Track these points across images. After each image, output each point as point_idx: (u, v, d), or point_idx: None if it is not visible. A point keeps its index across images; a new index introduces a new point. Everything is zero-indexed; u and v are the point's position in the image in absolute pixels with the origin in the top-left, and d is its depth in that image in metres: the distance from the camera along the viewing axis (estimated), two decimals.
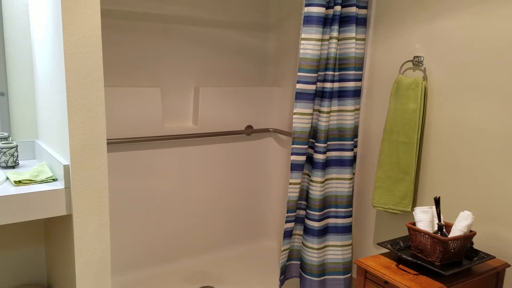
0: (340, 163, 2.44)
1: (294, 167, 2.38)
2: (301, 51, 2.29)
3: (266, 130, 3.13)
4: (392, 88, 2.27)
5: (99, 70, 1.59)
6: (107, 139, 2.46)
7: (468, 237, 1.79)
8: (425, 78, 2.18)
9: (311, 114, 2.37)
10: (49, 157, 1.80)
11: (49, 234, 2.04)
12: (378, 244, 1.92)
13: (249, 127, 3.08)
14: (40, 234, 2.14)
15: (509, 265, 1.84)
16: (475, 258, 1.83)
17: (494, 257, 1.81)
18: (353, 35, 2.35)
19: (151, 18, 2.63)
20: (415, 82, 2.17)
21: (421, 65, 2.21)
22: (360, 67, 2.44)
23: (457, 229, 1.81)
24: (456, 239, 1.75)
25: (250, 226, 3.28)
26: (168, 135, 2.70)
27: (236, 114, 3.00)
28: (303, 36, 2.27)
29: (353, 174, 2.49)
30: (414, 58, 2.24)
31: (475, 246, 2.00)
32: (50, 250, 2.06)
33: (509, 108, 1.86)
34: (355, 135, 2.46)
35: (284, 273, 2.55)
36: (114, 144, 2.54)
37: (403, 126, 2.20)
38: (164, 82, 2.75)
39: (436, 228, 1.86)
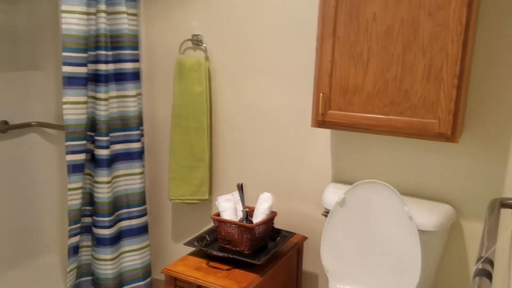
0: (127, 156, 2.15)
1: (73, 168, 1.99)
2: (63, 26, 1.92)
3: (27, 125, 2.55)
4: (175, 69, 2.11)
5: None
6: None
7: (271, 218, 1.78)
8: (207, 58, 2.08)
9: (86, 102, 2.03)
10: None
11: None
12: (184, 244, 1.74)
13: (4, 122, 2.45)
14: None
15: (306, 238, 1.92)
16: (278, 238, 1.84)
17: (295, 234, 1.86)
18: (124, 8, 2.08)
19: None
20: (198, 63, 2.05)
21: (201, 44, 2.09)
22: (136, 46, 2.19)
23: (260, 212, 1.78)
24: (262, 223, 1.71)
25: (23, 243, 2.67)
26: None
27: None
28: (63, 8, 1.92)
29: (144, 167, 2.23)
30: (193, 36, 2.11)
31: (276, 225, 2.03)
32: None
33: (293, 87, 1.90)
34: (140, 124, 2.20)
35: None
36: None
37: (192, 110, 2.07)
38: None
39: (241, 215, 1.79)
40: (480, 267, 0.95)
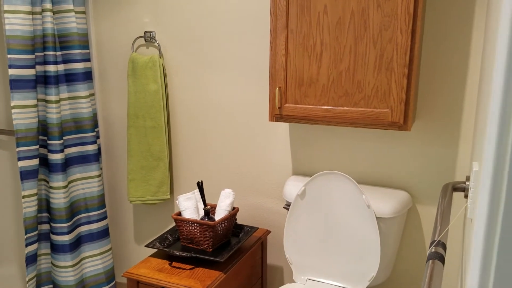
0: (83, 159, 2.08)
1: (26, 175, 1.90)
2: (7, 27, 1.83)
3: None
4: (128, 68, 2.05)
5: None
6: None
7: (233, 215, 1.77)
8: (161, 55, 2.03)
9: (36, 105, 1.94)
10: None
11: None
12: (146, 245, 1.71)
13: None
14: None
15: (269, 232, 1.92)
16: (241, 234, 1.84)
17: (258, 228, 1.86)
18: (71, 7, 2.01)
19: None
20: (152, 60, 2.00)
21: (154, 41, 2.05)
22: (86, 45, 2.12)
23: (222, 209, 1.76)
24: (223, 220, 1.70)
25: None
26: None
27: None
28: (6, 8, 1.83)
29: (101, 169, 2.17)
30: (145, 33, 2.06)
31: (238, 221, 2.02)
32: None
33: (250, 82, 1.89)
34: (95, 125, 2.13)
35: None
36: None
37: (148, 109, 2.02)
38: None
39: (202, 213, 1.78)
40: (433, 250, 0.98)
